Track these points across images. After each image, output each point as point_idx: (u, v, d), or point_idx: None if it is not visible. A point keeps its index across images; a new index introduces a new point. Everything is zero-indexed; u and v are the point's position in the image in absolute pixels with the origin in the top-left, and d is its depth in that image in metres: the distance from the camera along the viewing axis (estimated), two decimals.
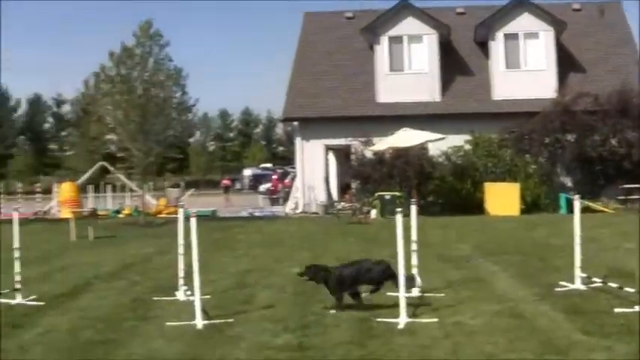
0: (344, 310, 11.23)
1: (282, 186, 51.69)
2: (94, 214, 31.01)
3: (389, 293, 11.91)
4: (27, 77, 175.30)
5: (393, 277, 11.25)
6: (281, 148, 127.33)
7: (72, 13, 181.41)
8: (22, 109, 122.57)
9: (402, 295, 10.46)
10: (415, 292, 12.13)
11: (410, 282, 11.50)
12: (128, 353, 9.11)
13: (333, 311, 11.20)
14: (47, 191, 49.50)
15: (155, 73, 34.50)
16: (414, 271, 12.03)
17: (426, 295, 12.18)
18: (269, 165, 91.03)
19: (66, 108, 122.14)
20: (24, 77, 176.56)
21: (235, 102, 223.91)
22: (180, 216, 12.56)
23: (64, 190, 41.21)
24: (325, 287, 11.62)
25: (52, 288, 14.12)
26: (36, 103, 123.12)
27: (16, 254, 12.78)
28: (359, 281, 11.49)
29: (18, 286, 12.68)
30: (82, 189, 43.70)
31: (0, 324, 10.78)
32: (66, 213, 33.86)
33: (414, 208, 11.95)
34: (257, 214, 39.90)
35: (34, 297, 12.79)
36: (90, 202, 43.19)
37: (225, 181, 67.07)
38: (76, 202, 38.67)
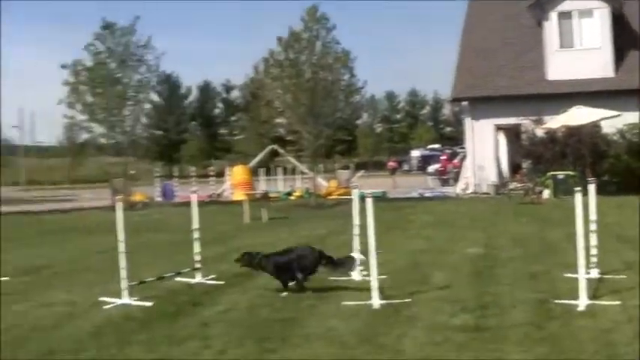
0: (304, 291, 11.64)
1: (452, 166, 51.32)
2: (266, 196, 31.51)
3: (566, 274, 11.67)
4: (196, 65, 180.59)
5: (328, 262, 11.81)
6: (448, 129, 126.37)
7: (239, 2, 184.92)
8: (193, 96, 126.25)
9: (581, 276, 10.20)
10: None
11: (349, 264, 11.95)
12: (306, 332, 9.20)
13: (284, 294, 11.57)
14: (220, 174, 50.75)
15: (323, 56, 34.77)
16: (594, 252, 11.65)
17: (605, 276, 11.82)
18: (437, 146, 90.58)
19: (235, 94, 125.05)
20: (193, 65, 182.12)
21: (401, 83, 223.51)
22: (355, 197, 12.62)
23: (237, 173, 42.14)
24: (264, 272, 12.12)
25: (230, 267, 14.40)
26: (206, 89, 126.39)
27: (196, 235, 13.14)
28: (293, 267, 11.77)
29: (198, 265, 13.06)
30: (253, 172, 44.55)
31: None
32: (239, 195, 34.58)
33: (592, 187, 11.58)
34: (427, 194, 39.81)
35: (213, 276, 13.14)
36: (261, 185, 43.99)
37: (392, 163, 67.07)
38: (248, 185, 39.47)
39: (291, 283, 11.87)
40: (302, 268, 11.75)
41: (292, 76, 33.99)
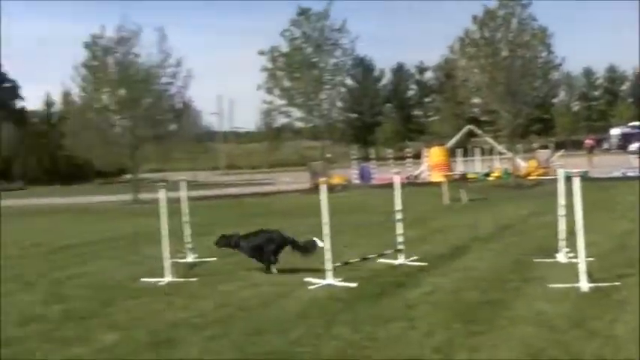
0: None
1: None
2: (463, 177, 31.31)
3: None
4: (389, 48, 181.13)
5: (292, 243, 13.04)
6: None
7: None
8: (386, 78, 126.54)
9: None
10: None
11: (311, 247, 12.71)
12: (513, 314, 9.04)
13: (274, 271, 12.76)
14: (416, 156, 50.78)
15: (519, 33, 34.26)
16: None
17: None
18: (639, 123, 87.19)
19: (428, 75, 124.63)
20: (386, 48, 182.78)
21: (599, 59, 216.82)
22: (560, 177, 12.32)
23: (434, 154, 41.97)
24: (240, 252, 13.36)
25: (432, 249, 14.42)
26: (399, 72, 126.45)
27: (398, 216, 13.15)
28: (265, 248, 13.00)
29: (400, 247, 13.07)
30: (450, 153, 44.30)
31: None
32: (437, 177, 34.49)
33: None
34: (630, 174, 38.41)
35: (416, 257, 13.12)
36: (459, 166, 43.70)
37: (589, 141, 65.11)
38: (446, 166, 39.23)
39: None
40: (273, 250, 12.96)
41: (488, 54, 33.66)
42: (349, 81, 77.88)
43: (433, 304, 9.82)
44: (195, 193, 33.23)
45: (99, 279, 13.01)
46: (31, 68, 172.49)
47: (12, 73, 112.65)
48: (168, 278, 12.46)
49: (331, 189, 34.57)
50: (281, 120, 48.90)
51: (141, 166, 46.99)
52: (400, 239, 13.07)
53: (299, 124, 49.57)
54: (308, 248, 12.84)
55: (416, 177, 43.00)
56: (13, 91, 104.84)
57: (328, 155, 47.80)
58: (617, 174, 38.56)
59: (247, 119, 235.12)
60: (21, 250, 18.07)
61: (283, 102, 41.46)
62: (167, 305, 10.54)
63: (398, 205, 13.15)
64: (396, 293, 10.58)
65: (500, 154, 46.32)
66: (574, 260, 10.90)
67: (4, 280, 13.32)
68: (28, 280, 13.22)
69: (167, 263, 12.67)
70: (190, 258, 14.70)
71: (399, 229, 13.09)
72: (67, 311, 10.30)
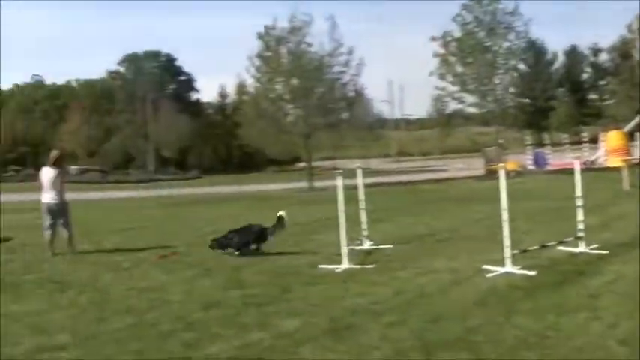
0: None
1: None
2: None
3: None
4: (561, 30, 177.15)
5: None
6: None
7: None
8: (559, 61, 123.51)
9: None
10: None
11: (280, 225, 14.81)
12: None
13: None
14: (593, 141, 49.46)
15: None
16: None
17: None
18: None
19: (603, 56, 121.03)
20: (559, 30, 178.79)
21: None
22: None
23: (612, 138, 40.73)
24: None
25: (612, 236, 13.99)
26: (572, 54, 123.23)
27: (578, 203, 12.83)
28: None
29: (580, 234, 12.75)
30: (628, 137, 42.92)
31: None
32: (615, 162, 33.51)
33: None
34: None
35: (596, 245, 12.77)
36: (638, 151, 42.31)
37: None
38: (624, 151, 38.01)
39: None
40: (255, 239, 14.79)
41: None
42: (521, 65, 76.79)
43: (616, 293, 9.51)
44: (368, 181, 33.41)
45: (276, 266, 13.20)
46: (205, 61, 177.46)
47: (187, 66, 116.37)
48: (345, 265, 12.52)
49: (506, 175, 34.28)
50: (453, 106, 48.64)
51: (313, 154, 47.64)
52: (580, 226, 12.75)
53: (471, 110, 49.22)
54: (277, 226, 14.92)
55: (592, 162, 41.87)
56: (189, 84, 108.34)
57: (500, 141, 47.20)
58: None
59: (417, 106, 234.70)
60: (199, 237, 18.56)
61: (456, 88, 41.28)
62: (345, 292, 10.58)
63: (578, 191, 12.82)
64: (577, 282, 10.31)
65: None
66: None
67: (186, 265, 13.75)
68: (207, 266, 13.54)
69: (344, 250, 12.75)
70: (367, 245, 14.77)
71: (580, 215, 12.77)
72: (246, 297, 10.48)
